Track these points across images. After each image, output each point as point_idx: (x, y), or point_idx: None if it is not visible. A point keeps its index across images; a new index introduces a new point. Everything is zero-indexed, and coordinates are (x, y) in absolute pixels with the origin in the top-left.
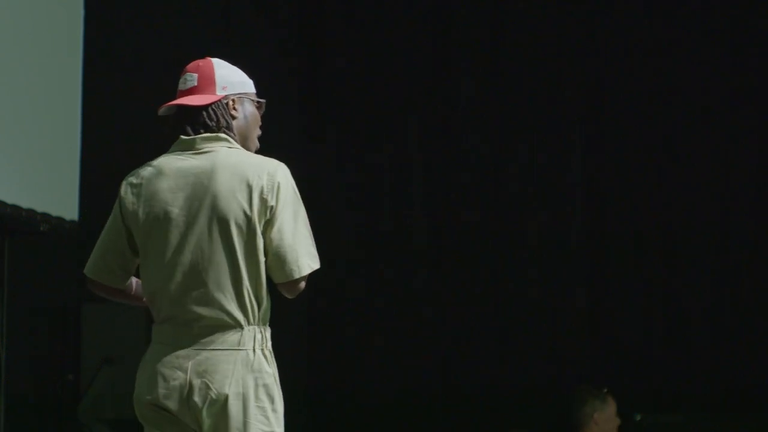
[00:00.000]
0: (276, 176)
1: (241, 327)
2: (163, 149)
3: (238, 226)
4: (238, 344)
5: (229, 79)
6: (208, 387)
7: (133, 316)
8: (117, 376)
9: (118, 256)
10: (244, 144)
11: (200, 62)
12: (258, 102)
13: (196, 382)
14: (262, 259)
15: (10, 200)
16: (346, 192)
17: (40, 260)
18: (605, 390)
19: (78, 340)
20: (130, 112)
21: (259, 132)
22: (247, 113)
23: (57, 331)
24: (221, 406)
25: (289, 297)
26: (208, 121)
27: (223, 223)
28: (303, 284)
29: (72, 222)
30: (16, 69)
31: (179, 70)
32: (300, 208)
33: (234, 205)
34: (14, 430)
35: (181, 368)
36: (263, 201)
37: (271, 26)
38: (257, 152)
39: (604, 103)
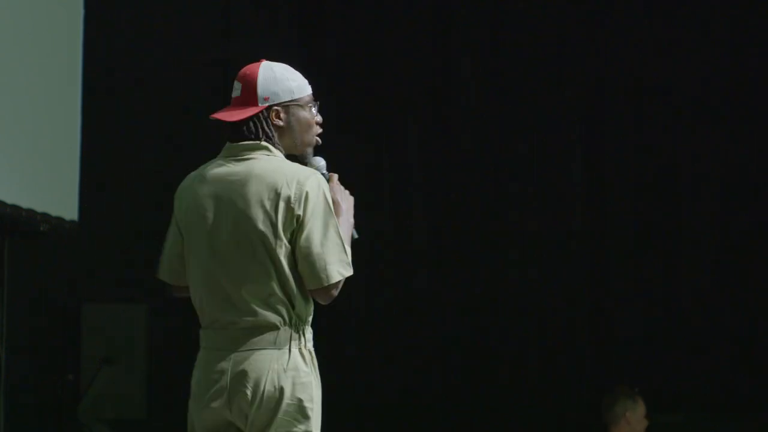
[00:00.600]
0: (305, 186)
1: (276, 328)
2: (163, 149)
3: (264, 233)
4: (274, 344)
5: (272, 88)
6: (245, 387)
7: (133, 316)
8: (117, 376)
9: (179, 258)
10: (296, 149)
11: (248, 69)
12: (309, 106)
13: (235, 384)
14: (290, 264)
15: (10, 200)
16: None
17: (40, 260)
18: (637, 390)
19: (78, 340)
20: (130, 112)
21: (315, 132)
22: (295, 120)
23: (57, 331)
24: (258, 405)
25: (322, 303)
26: (247, 133)
27: (250, 230)
28: (335, 291)
29: (72, 222)
30: (16, 69)
31: (179, 70)
32: (331, 216)
33: (260, 213)
34: (14, 430)
35: (222, 371)
36: (290, 209)
37: (271, 26)
38: (317, 149)
39: (604, 103)
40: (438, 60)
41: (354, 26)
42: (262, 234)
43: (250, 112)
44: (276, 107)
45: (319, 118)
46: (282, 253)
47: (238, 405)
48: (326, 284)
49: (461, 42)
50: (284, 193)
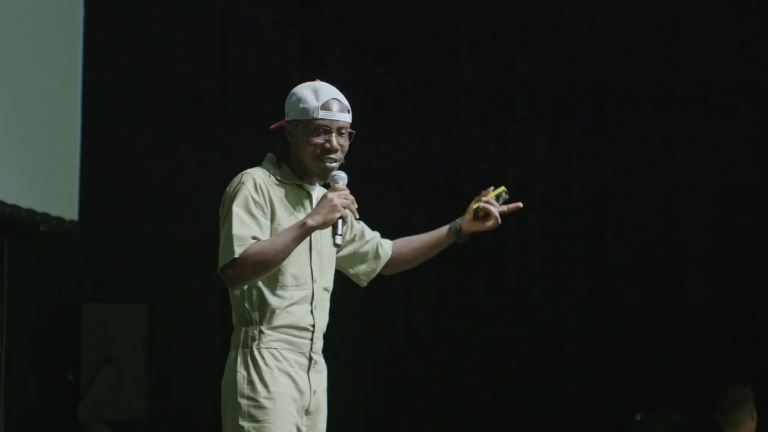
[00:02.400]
0: (228, 186)
1: (235, 328)
2: (163, 149)
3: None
4: (232, 344)
5: (291, 106)
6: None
7: (133, 316)
8: (117, 376)
9: None
10: (307, 165)
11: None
12: (312, 126)
13: None
14: None
15: (10, 200)
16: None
17: (40, 260)
18: (749, 386)
19: (78, 340)
20: (130, 112)
21: (315, 155)
22: (300, 137)
23: (57, 331)
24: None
25: (232, 290)
26: (275, 143)
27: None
28: (225, 276)
29: (72, 222)
30: (15, 69)
31: (179, 70)
32: (232, 207)
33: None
34: (14, 430)
35: None
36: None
37: (271, 26)
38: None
39: (604, 103)
40: (438, 60)
41: (354, 26)
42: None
43: (277, 124)
44: (289, 123)
45: (332, 143)
46: None
47: None
48: (218, 270)
49: (462, 42)
50: None
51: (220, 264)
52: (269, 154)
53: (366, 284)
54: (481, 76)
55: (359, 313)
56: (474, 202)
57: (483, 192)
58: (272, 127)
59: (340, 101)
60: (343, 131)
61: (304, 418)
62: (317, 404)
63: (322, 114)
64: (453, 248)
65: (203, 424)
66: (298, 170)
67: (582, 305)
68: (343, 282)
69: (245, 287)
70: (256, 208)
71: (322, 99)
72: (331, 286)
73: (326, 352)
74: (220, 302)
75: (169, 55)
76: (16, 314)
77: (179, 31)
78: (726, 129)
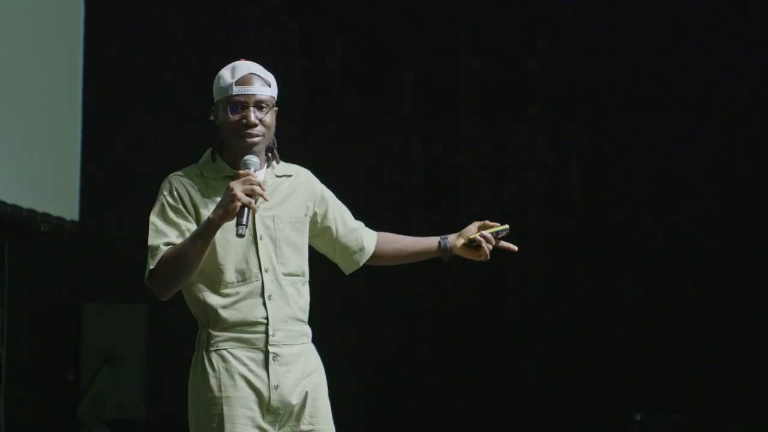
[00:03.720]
0: None
1: (198, 329)
2: (163, 149)
3: None
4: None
5: (214, 87)
6: None
7: (133, 316)
8: (117, 376)
9: None
10: (232, 145)
11: None
12: (225, 105)
13: None
14: None
15: (10, 200)
16: (348, 191)
17: (40, 260)
18: None
19: (78, 340)
20: (130, 112)
21: (234, 133)
22: (220, 118)
23: (57, 331)
24: None
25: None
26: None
27: None
28: (152, 288)
29: (72, 222)
30: (16, 69)
31: (179, 69)
32: (150, 217)
33: None
34: (14, 430)
35: None
36: None
37: (271, 26)
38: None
39: (605, 103)
40: (439, 59)
41: (354, 26)
42: None
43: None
44: (213, 107)
45: (249, 118)
46: None
47: None
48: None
49: (462, 41)
50: None
51: (145, 277)
52: (207, 150)
53: (348, 274)
54: (480, 75)
55: (352, 313)
56: (474, 227)
57: (485, 222)
58: (210, 117)
59: (259, 75)
60: (263, 105)
61: (267, 416)
62: (282, 399)
63: (236, 90)
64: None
65: None
66: (233, 157)
67: (582, 305)
68: (341, 280)
69: (189, 292)
70: (172, 212)
71: (238, 75)
72: (298, 269)
73: (323, 354)
74: None
75: (170, 55)
76: (16, 314)
77: (179, 31)
78: (726, 129)
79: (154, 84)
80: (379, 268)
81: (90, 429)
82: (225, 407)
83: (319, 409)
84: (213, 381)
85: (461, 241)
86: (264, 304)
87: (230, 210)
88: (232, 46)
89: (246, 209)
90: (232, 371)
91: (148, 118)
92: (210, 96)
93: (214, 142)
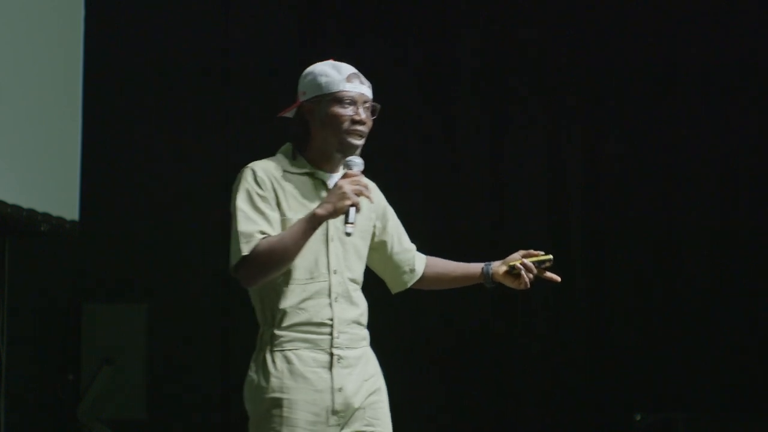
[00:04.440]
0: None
1: (259, 328)
2: (163, 149)
3: None
4: (256, 344)
5: (307, 85)
6: None
7: (133, 316)
8: (117, 376)
9: None
10: (333, 144)
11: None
12: (338, 98)
13: None
14: None
15: (10, 200)
16: None
17: (40, 260)
18: None
19: (78, 340)
20: (130, 112)
21: (347, 126)
22: (323, 114)
23: (57, 331)
24: None
25: (244, 286)
26: (290, 132)
27: None
28: (238, 275)
29: (72, 222)
30: (16, 69)
31: (179, 69)
32: (236, 204)
33: None
34: (14, 430)
35: None
36: None
37: (271, 25)
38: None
39: (605, 103)
40: (439, 58)
41: (354, 25)
42: None
43: (289, 109)
44: (307, 103)
45: (360, 116)
46: None
47: None
48: (231, 269)
49: (462, 41)
50: None
51: (232, 263)
52: (285, 145)
53: (394, 293)
54: (481, 74)
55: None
56: (518, 255)
57: (530, 251)
58: (281, 114)
59: (361, 77)
60: (368, 106)
61: (332, 418)
62: (345, 401)
63: (348, 86)
64: (451, 243)
65: (203, 424)
66: (317, 156)
67: (582, 305)
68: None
69: (257, 287)
70: (260, 200)
71: (346, 72)
72: (359, 277)
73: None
74: (220, 302)
75: (170, 55)
76: (16, 314)
77: (179, 31)
78: (726, 129)
79: (154, 84)
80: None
81: (90, 429)
82: (286, 409)
83: (379, 411)
84: (275, 381)
85: (503, 268)
86: (330, 305)
87: (339, 208)
88: (233, 46)
89: (353, 209)
90: (296, 373)
91: (148, 118)
92: (210, 96)
93: (295, 136)
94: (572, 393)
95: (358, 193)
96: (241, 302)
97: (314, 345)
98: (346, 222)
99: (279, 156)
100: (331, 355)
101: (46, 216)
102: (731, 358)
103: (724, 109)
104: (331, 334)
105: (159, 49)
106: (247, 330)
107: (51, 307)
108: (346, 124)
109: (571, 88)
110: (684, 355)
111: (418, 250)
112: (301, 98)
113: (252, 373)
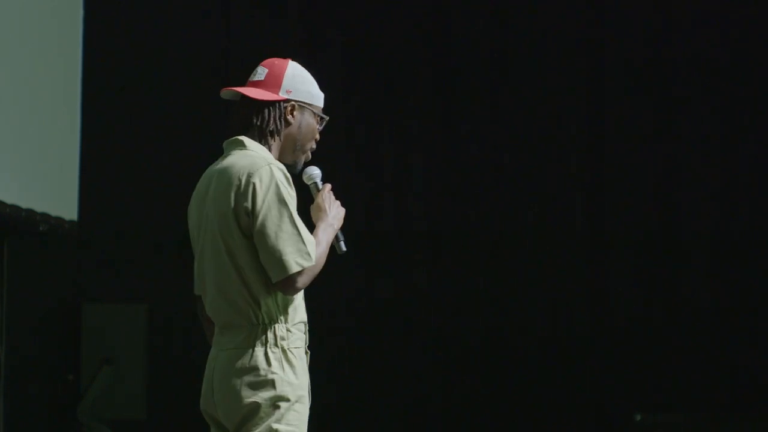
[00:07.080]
0: (253, 177)
1: (242, 328)
2: (163, 149)
3: (223, 231)
4: (238, 345)
5: (297, 85)
6: (212, 388)
7: (133, 316)
8: (117, 376)
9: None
10: (293, 153)
11: (276, 60)
12: (320, 117)
13: (208, 384)
14: (255, 260)
15: (9, 200)
16: (347, 192)
17: (40, 260)
18: None
19: (78, 340)
20: (130, 112)
21: (312, 145)
22: (305, 123)
23: (57, 331)
24: (218, 407)
25: (287, 295)
26: (255, 119)
27: (214, 229)
28: (296, 283)
29: (72, 222)
30: (16, 69)
31: (179, 69)
32: (284, 207)
33: (219, 210)
34: (14, 430)
35: (209, 369)
36: (240, 203)
37: (271, 26)
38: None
39: (605, 103)
40: (440, 58)
41: (355, 25)
42: (222, 232)
43: (270, 96)
44: (294, 102)
45: (317, 136)
46: (243, 249)
47: (211, 405)
48: (282, 276)
49: (462, 40)
50: (235, 186)
51: (293, 270)
52: (240, 138)
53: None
54: (481, 73)
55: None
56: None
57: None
58: (261, 98)
59: None
60: None
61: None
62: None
63: (322, 103)
64: (451, 243)
65: (203, 424)
66: (273, 155)
67: (582, 305)
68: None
69: (252, 289)
70: (294, 204)
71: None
72: None
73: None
74: None
75: (170, 55)
76: (16, 314)
77: (179, 31)
78: (728, 126)
79: (153, 84)
80: (377, 266)
81: (90, 429)
82: (304, 406)
83: None
84: (301, 378)
85: None
86: (303, 304)
87: (338, 227)
88: (234, 48)
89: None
90: (304, 370)
91: (147, 118)
92: (210, 95)
93: (270, 130)
94: (572, 393)
95: None
96: None
97: (303, 344)
98: (338, 240)
99: (270, 156)
100: (307, 353)
101: (45, 216)
102: (731, 358)
103: (723, 110)
104: (306, 332)
105: (159, 49)
106: None
107: (51, 307)
108: (312, 144)
109: (571, 88)
110: (684, 355)
111: (423, 249)
112: (290, 96)
113: (266, 367)
